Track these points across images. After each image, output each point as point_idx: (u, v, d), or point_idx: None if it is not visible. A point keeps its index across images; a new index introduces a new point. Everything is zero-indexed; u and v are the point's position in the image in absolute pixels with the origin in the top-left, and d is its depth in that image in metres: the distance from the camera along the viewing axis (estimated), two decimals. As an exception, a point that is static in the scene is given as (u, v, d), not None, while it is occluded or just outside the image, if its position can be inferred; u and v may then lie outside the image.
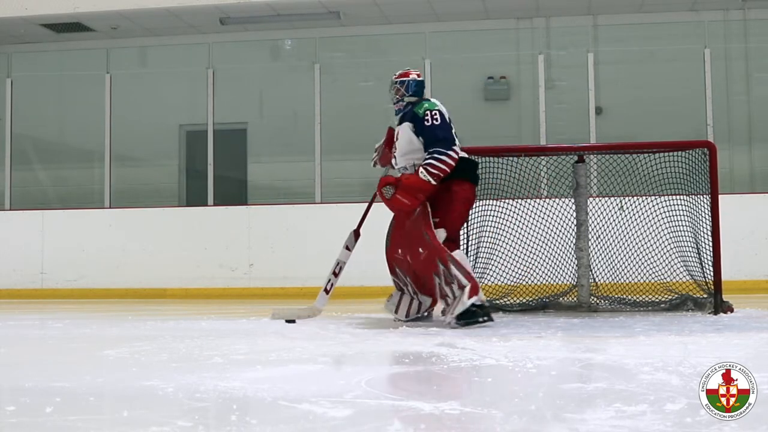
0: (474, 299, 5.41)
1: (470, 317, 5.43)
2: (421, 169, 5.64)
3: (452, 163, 5.66)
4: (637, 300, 7.09)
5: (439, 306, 5.72)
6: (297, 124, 11.70)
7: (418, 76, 6.02)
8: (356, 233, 6.39)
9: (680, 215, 7.03)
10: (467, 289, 5.41)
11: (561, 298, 7.08)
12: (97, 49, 12.11)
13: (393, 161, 6.03)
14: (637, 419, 2.51)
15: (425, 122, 5.72)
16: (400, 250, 5.85)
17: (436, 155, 5.64)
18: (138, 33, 11.92)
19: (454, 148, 5.71)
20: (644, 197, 7.25)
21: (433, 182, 5.61)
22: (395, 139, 5.96)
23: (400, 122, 5.95)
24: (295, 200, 11.05)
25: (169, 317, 6.94)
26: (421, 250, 5.62)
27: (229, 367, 3.79)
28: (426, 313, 6.13)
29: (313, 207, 10.63)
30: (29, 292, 10.54)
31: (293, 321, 6.09)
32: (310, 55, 11.78)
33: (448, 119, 5.82)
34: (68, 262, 10.65)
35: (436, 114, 5.74)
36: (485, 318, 5.48)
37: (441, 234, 5.68)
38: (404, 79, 5.99)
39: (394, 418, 2.56)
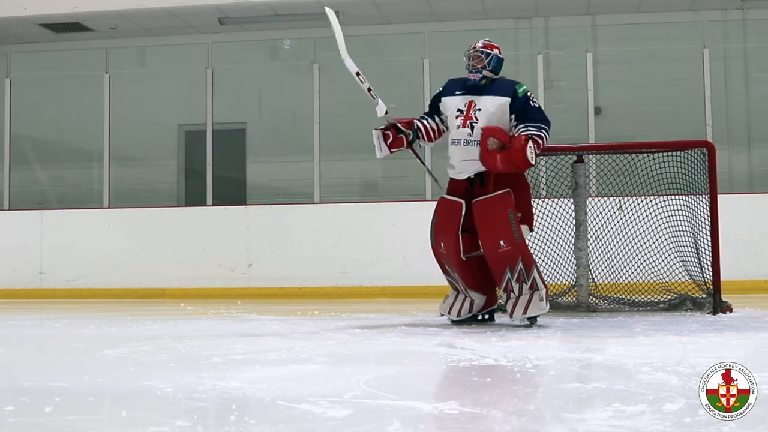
0: (547, 307, 5.56)
1: (533, 321, 5.60)
2: (530, 143, 5.42)
3: (547, 134, 5.62)
4: (636, 300, 7.09)
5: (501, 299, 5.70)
6: (296, 124, 11.69)
7: (500, 52, 5.75)
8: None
9: (679, 215, 7.03)
10: (544, 294, 5.51)
11: (560, 298, 7.08)
12: (96, 49, 12.09)
13: (468, 131, 5.60)
14: (636, 419, 2.51)
15: (531, 103, 5.57)
16: (443, 244, 5.62)
17: (544, 131, 5.55)
18: (137, 33, 11.91)
19: None
20: (643, 197, 7.26)
21: (533, 162, 5.46)
22: (472, 109, 5.59)
23: (467, 91, 5.67)
24: (294, 200, 11.04)
25: (168, 317, 6.94)
26: (503, 243, 5.40)
27: (228, 367, 3.79)
28: (482, 316, 5.87)
29: (312, 207, 10.63)
30: (28, 292, 10.53)
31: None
32: (309, 55, 11.77)
33: None
34: (67, 262, 10.64)
35: (535, 97, 5.66)
36: (536, 320, 5.63)
37: (526, 232, 5.60)
38: (489, 51, 5.68)
39: (394, 418, 2.56)
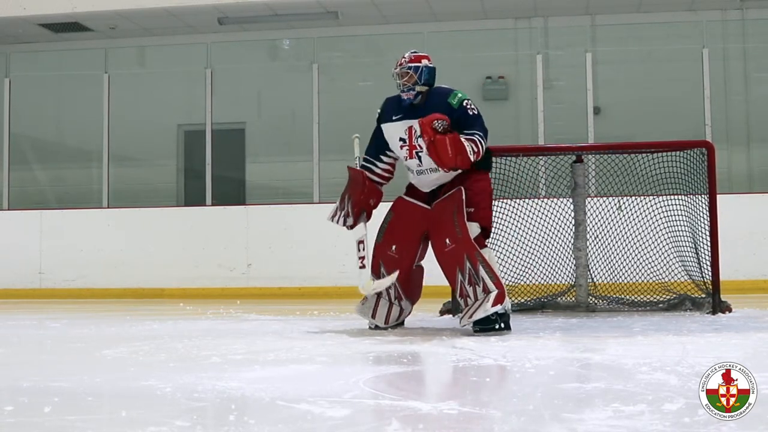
0: (498, 308, 5.08)
1: (487, 324, 5.09)
2: (464, 139, 5.11)
3: (482, 153, 5.22)
4: (636, 300, 7.10)
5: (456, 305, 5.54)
6: (295, 124, 11.69)
7: (430, 61, 5.40)
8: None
9: (678, 215, 7.03)
10: (492, 296, 5.08)
11: (559, 298, 7.09)
12: (96, 49, 12.09)
13: (416, 162, 5.37)
14: (635, 419, 2.51)
15: (469, 112, 5.19)
16: (394, 247, 5.39)
17: (478, 137, 5.16)
18: (136, 33, 11.91)
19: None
20: (642, 197, 7.26)
21: (471, 159, 5.12)
22: (413, 138, 5.31)
23: (404, 114, 5.37)
24: (293, 200, 11.04)
25: (167, 317, 6.94)
26: (448, 241, 5.16)
27: (228, 367, 3.79)
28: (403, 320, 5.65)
29: (312, 207, 10.62)
30: (27, 292, 10.53)
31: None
32: (308, 55, 11.77)
33: None
34: (66, 262, 10.64)
35: (472, 103, 5.26)
36: (502, 326, 5.13)
37: (474, 228, 5.22)
38: (417, 64, 5.32)
39: (393, 418, 2.56)
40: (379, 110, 5.61)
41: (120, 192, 11.72)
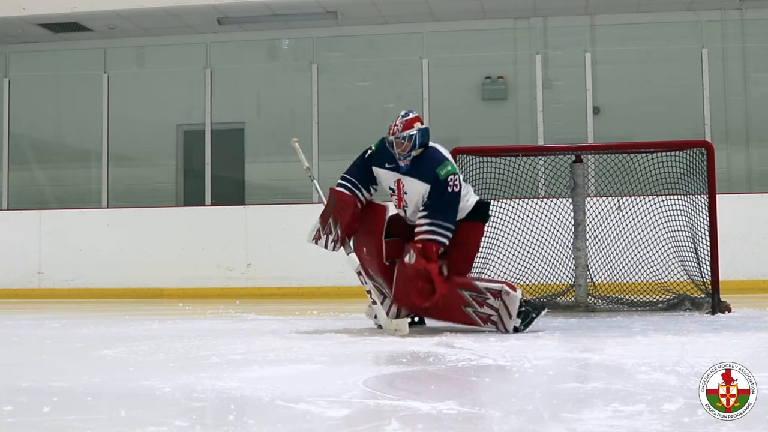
0: (519, 292, 5.27)
1: (525, 317, 5.26)
2: (430, 240, 5.19)
3: (451, 235, 5.28)
4: (635, 300, 7.10)
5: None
6: (294, 124, 11.68)
7: (422, 123, 5.38)
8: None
9: (678, 215, 7.03)
10: (505, 290, 5.25)
11: (558, 298, 7.09)
12: (95, 49, 12.08)
13: (402, 211, 5.49)
14: (635, 419, 2.50)
15: (448, 188, 5.23)
16: (365, 249, 5.45)
17: (439, 230, 5.20)
18: (135, 33, 11.90)
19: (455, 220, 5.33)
20: (642, 197, 7.26)
21: (443, 241, 5.20)
22: (401, 191, 5.40)
23: (395, 166, 5.40)
24: (292, 200, 11.03)
25: (166, 317, 6.94)
26: (438, 300, 5.18)
27: (227, 367, 3.79)
28: (411, 319, 5.63)
29: (311, 207, 10.60)
30: (26, 292, 10.53)
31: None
32: (307, 55, 11.77)
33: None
34: (65, 262, 10.64)
35: (457, 180, 5.28)
36: (537, 312, 5.34)
37: (443, 269, 5.31)
38: (411, 132, 5.29)
39: (392, 418, 2.56)
40: (372, 148, 5.57)
41: (119, 192, 11.72)
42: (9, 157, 11.88)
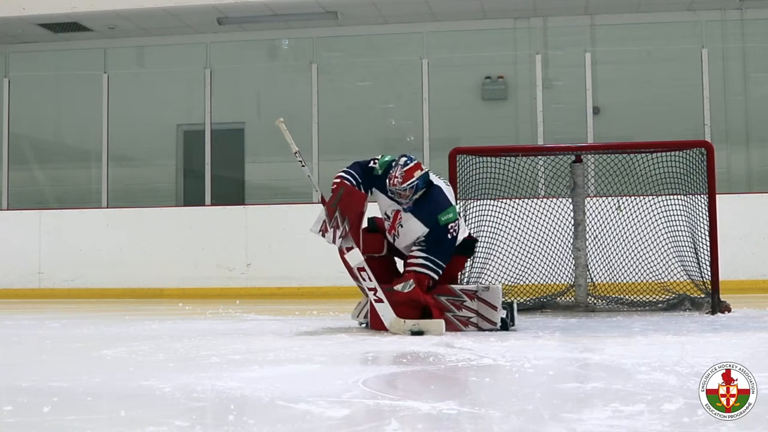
0: (498, 285, 5.48)
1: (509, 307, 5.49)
2: (423, 273, 5.33)
3: (441, 273, 5.40)
4: (635, 300, 7.10)
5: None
6: (294, 124, 11.66)
7: (421, 169, 5.39)
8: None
9: (677, 215, 7.04)
10: (481, 287, 5.43)
11: (558, 298, 7.09)
12: (95, 49, 12.09)
13: (392, 238, 5.56)
14: (635, 419, 2.50)
15: (447, 235, 5.33)
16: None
17: (430, 265, 5.32)
18: (135, 33, 11.90)
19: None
20: (641, 197, 7.26)
21: (433, 276, 5.34)
22: (397, 224, 5.46)
23: (398, 202, 5.45)
24: (292, 200, 11.04)
25: (166, 317, 6.94)
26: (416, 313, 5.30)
27: (227, 366, 3.79)
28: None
29: (311, 207, 10.59)
30: (26, 292, 10.53)
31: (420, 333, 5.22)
32: (307, 55, 11.77)
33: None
34: (65, 262, 10.64)
35: (456, 227, 5.40)
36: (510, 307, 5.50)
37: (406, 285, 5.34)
38: (412, 182, 5.32)
39: (392, 418, 2.56)
40: (377, 168, 5.54)
41: (119, 192, 11.72)
42: (9, 157, 11.88)
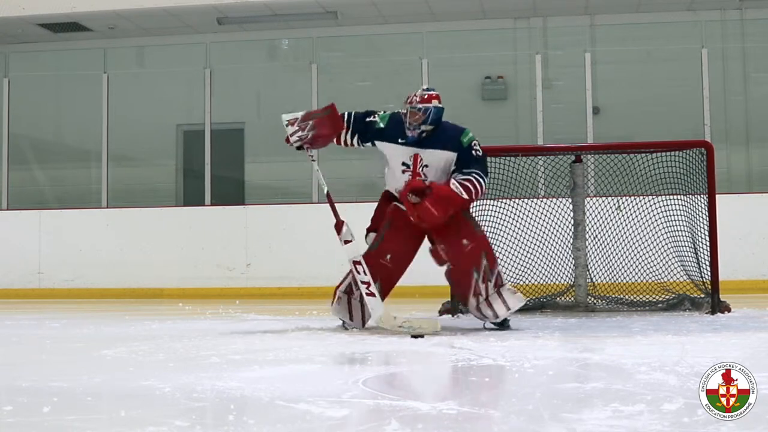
0: (518, 305, 5.42)
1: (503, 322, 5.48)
2: (454, 181, 5.24)
3: (485, 190, 5.40)
4: (635, 300, 7.10)
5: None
6: (294, 123, 11.68)
7: (440, 101, 5.41)
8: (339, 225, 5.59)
9: (677, 215, 7.03)
10: (509, 288, 5.44)
11: (558, 298, 7.08)
12: (95, 49, 12.09)
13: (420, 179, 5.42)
14: (635, 419, 2.50)
15: (473, 153, 5.32)
16: (389, 256, 5.41)
17: (475, 175, 5.27)
18: (135, 33, 11.91)
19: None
20: (641, 197, 7.26)
21: (465, 196, 5.23)
22: (418, 165, 5.35)
23: (412, 144, 5.36)
24: (292, 200, 11.04)
25: (166, 317, 6.94)
26: (465, 242, 5.29)
27: (227, 366, 3.79)
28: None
29: (311, 207, 10.62)
30: (26, 292, 10.53)
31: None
32: (307, 55, 11.77)
33: None
34: (65, 262, 10.64)
35: (479, 145, 5.39)
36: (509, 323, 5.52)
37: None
38: (427, 105, 5.34)
39: (392, 418, 2.56)
40: (378, 121, 5.52)
41: (119, 192, 11.72)
42: (9, 157, 11.88)
